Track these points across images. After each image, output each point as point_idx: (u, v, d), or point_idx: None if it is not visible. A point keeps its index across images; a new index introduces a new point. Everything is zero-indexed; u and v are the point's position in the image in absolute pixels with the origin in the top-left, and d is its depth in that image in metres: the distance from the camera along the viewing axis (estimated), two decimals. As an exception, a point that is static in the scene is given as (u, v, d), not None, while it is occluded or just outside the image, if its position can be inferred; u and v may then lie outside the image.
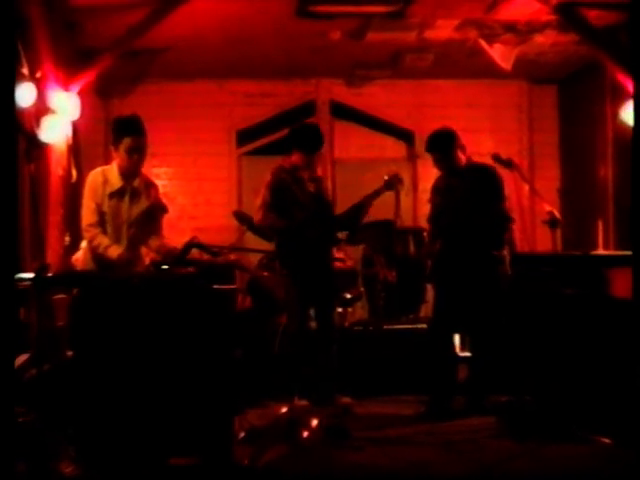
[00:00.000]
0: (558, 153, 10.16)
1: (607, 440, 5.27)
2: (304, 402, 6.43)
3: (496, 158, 6.21)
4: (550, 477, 4.72)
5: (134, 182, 5.81)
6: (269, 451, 4.80)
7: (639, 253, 4.84)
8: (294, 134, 6.67)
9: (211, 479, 3.35)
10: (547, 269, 5.98)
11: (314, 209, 6.52)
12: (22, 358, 5.19)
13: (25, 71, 6.51)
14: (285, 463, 4.74)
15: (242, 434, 5.22)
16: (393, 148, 10.34)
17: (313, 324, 6.92)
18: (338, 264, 7.24)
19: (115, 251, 5.65)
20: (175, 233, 7.87)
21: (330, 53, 9.03)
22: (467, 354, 6.86)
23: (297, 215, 6.51)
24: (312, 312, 6.78)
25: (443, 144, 6.28)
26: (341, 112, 10.23)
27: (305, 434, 5.38)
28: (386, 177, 6.49)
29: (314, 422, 5.55)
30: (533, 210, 7.96)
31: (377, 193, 6.43)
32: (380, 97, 10.05)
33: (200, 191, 10.07)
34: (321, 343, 6.66)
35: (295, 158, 6.54)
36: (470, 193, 6.14)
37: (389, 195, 6.75)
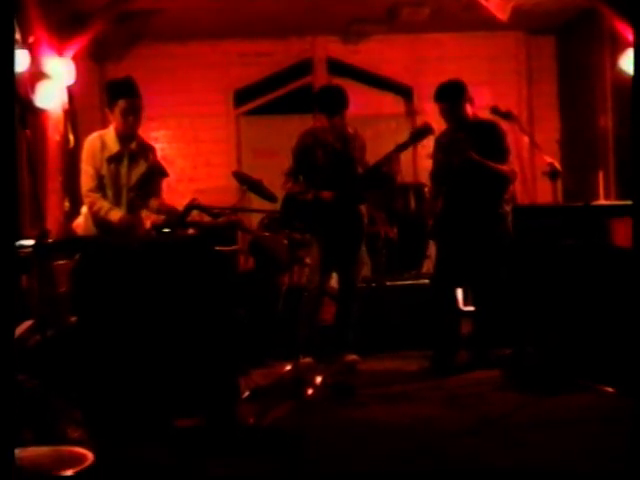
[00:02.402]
0: (557, 104, 10.09)
1: (610, 389, 5.29)
2: (308, 360, 6.49)
3: (495, 110, 6.18)
4: (555, 428, 4.72)
5: (132, 145, 5.80)
6: (274, 409, 4.82)
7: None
8: (315, 97, 6.77)
9: (217, 439, 3.37)
10: (548, 221, 5.98)
11: (335, 171, 6.48)
12: (25, 325, 5.21)
13: (18, 37, 6.47)
14: (290, 421, 4.77)
15: (247, 393, 5.24)
16: (392, 104, 10.27)
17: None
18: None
19: (116, 215, 5.66)
20: (175, 196, 7.86)
21: (325, 9, 8.94)
22: (470, 308, 6.87)
23: (315, 179, 6.52)
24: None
25: (452, 94, 6.24)
26: (338, 69, 10.16)
27: (310, 391, 5.41)
28: (413, 129, 6.40)
29: (318, 379, 5.59)
30: (533, 162, 7.95)
31: (404, 146, 6.34)
32: (377, 53, 9.97)
33: (199, 153, 10.03)
34: (342, 301, 6.70)
35: (319, 121, 6.59)
36: (474, 148, 6.09)
37: (388, 150, 6.70)
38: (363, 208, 6.76)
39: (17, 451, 2.81)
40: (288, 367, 5.87)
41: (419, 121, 9.68)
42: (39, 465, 2.65)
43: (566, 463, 4.13)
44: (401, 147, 6.29)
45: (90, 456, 2.70)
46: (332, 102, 6.50)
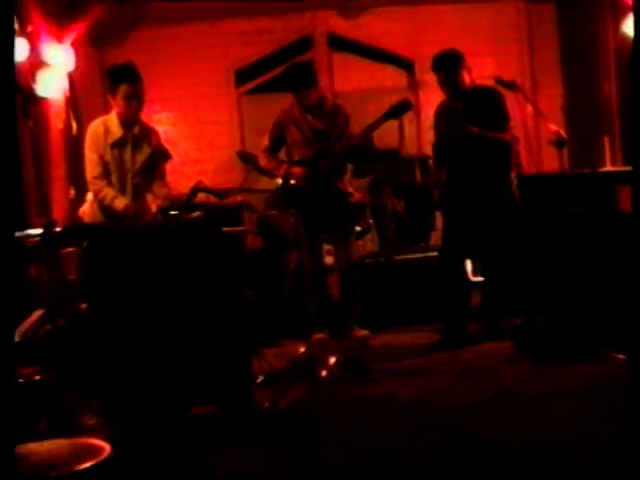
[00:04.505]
0: (560, 71, 10.00)
1: (621, 356, 5.29)
2: (321, 335, 6.51)
3: (498, 81, 6.15)
4: (567, 398, 4.73)
5: (134, 130, 5.81)
6: (288, 393, 4.83)
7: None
8: (282, 75, 6.76)
9: (231, 425, 3.38)
10: (555, 189, 5.96)
11: (309, 147, 6.55)
12: (35, 315, 5.22)
13: (16, 26, 6.44)
14: (305, 404, 4.77)
15: (261, 378, 5.24)
16: (394, 77, 10.19)
17: (330, 259, 6.98)
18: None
19: (121, 202, 5.68)
20: (180, 178, 7.88)
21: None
22: (480, 279, 6.87)
23: (293, 154, 6.65)
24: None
25: (449, 63, 6.21)
26: (339, 44, 10.09)
27: (323, 373, 5.40)
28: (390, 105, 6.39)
29: (332, 360, 5.57)
30: (538, 131, 7.89)
31: (378, 122, 6.34)
32: (377, 26, 9.88)
33: (202, 134, 9.98)
34: (342, 276, 6.73)
35: (291, 98, 6.64)
36: (474, 117, 6.07)
37: (392, 124, 6.67)
38: (343, 182, 6.77)
39: (33, 445, 2.82)
40: (301, 349, 5.85)
41: (422, 94, 9.69)
42: (55, 459, 2.65)
43: (580, 434, 4.12)
44: (374, 125, 6.29)
45: (107, 448, 2.70)
46: (296, 79, 6.56)
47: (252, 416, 3.60)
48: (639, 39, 4.35)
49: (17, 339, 4.65)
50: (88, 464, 2.58)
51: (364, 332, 6.61)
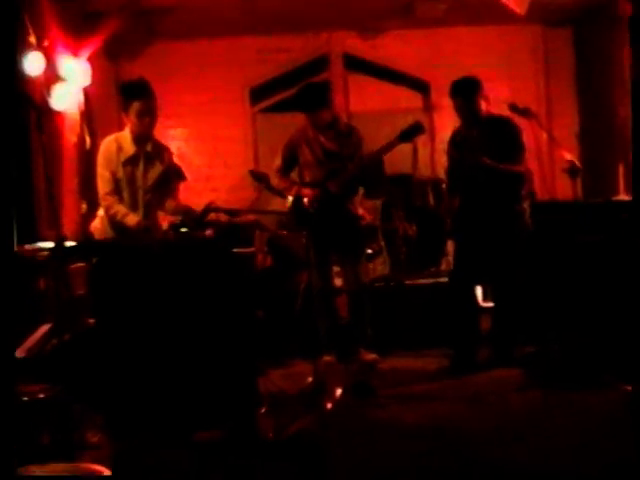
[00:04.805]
0: (576, 97, 10.00)
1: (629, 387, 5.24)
2: (329, 357, 6.48)
3: (513, 107, 6.13)
4: (578, 428, 4.68)
5: (147, 147, 5.81)
6: (294, 423, 4.78)
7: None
8: (295, 95, 6.72)
9: (236, 453, 3.34)
10: (569, 217, 5.92)
11: (321, 167, 6.53)
12: (43, 329, 5.20)
13: (32, 40, 6.45)
14: (310, 435, 4.72)
15: (264, 409, 5.17)
16: (409, 99, 10.20)
17: (339, 281, 6.94)
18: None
19: (133, 219, 5.67)
20: (192, 194, 7.83)
21: (342, 5, 8.88)
22: (490, 304, 6.83)
23: (305, 174, 6.63)
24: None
25: (467, 90, 6.19)
26: (355, 65, 10.10)
27: (329, 405, 5.30)
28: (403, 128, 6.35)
29: (338, 391, 5.49)
30: (552, 158, 7.85)
31: (390, 145, 6.32)
32: (394, 48, 9.89)
33: (216, 151, 9.99)
34: (350, 299, 6.70)
35: (304, 118, 6.61)
36: (489, 146, 6.04)
37: (406, 146, 6.65)
38: (354, 204, 6.73)
39: (35, 467, 2.79)
40: (309, 378, 5.75)
41: (436, 116, 9.69)
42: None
43: (586, 462, 4.08)
44: (386, 148, 6.27)
45: (106, 475, 2.67)
46: (310, 99, 6.52)
47: (256, 445, 3.56)
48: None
49: (23, 354, 4.62)
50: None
51: (372, 356, 6.56)
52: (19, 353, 4.45)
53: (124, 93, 5.80)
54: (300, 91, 6.78)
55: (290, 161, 6.71)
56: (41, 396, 3.85)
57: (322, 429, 4.69)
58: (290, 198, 6.56)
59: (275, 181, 6.66)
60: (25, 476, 2.36)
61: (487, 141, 6.06)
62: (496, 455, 4.30)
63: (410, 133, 6.26)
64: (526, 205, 6.20)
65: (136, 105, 5.64)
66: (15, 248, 5.95)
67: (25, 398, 3.78)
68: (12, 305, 2.15)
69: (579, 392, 5.35)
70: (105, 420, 4.79)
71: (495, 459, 4.25)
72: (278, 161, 6.74)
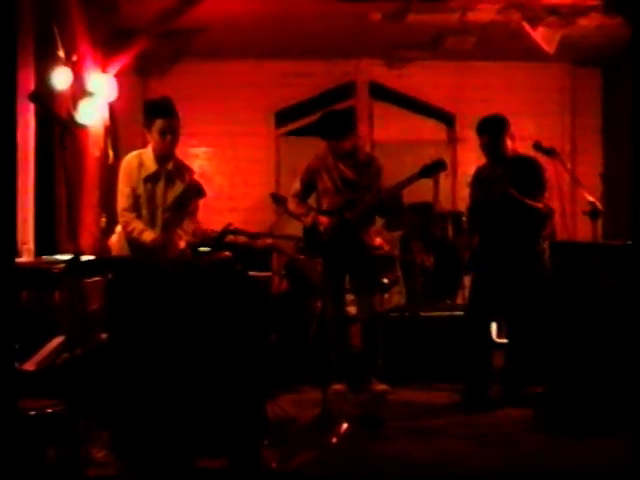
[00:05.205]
0: (601, 137, 9.98)
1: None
2: (340, 386, 6.44)
3: (537, 146, 6.10)
4: (580, 476, 4.64)
5: (169, 165, 5.82)
6: (298, 455, 4.74)
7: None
8: (317, 122, 6.72)
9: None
10: (588, 258, 5.88)
11: (339, 196, 6.52)
12: (55, 342, 5.19)
13: (61, 54, 6.50)
14: (313, 468, 4.67)
15: (271, 437, 5.12)
16: (433, 130, 10.21)
17: (353, 309, 6.91)
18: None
19: (149, 236, 5.68)
20: (212, 213, 7.88)
21: (370, 34, 8.91)
22: (504, 340, 6.78)
23: (322, 201, 6.63)
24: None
25: (495, 128, 6.16)
26: (381, 93, 10.12)
27: (334, 440, 5.23)
28: (425, 164, 6.34)
29: (344, 426, 5.41)
30: (574, 198, 7.82)
31: (410, 180, 6.31)
32: (420, 79, 9.91)
33: (238, 171, 10.02)
34: (363, 329, 6.66)
35: (325, 145, 6.60)
36: (512, 184, 6.01)
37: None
38: (369, 234, 6.72)
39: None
40: (315, 411, 5.67)
41: (460, 149, 9.68)
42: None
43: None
44: (405, 183, 6.26)
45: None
46: (331, 127, 6.51)
47: (259, 475, 3.53)
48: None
49: (33, 367, 4.61)
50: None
51: (383, 387, 6.53)
52: (29, 366, 4.44)
53: (148, 111, 5.84)
54: (322, 118, 6.77)
55: (308, 187, 6.70)
56: (49, 411, 3.83)
57: (325, 464, 4.66)
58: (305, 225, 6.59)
59: (292, 206, 6.71)
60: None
61: (512, 180, 6.03)
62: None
63: (431, 170, 6.26)
64: (546, 245, 6.17)
65: (159, 123, 5.67)
66: (32, 259, 6.00)
67: (32, 412, 3.76)
68: (13, 318, 2.15)
69: (586, 439, 5.28)
70: (110, 438, 4.78)
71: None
72: (297, 186, 6.74)
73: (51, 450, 4.11)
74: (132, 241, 5.76)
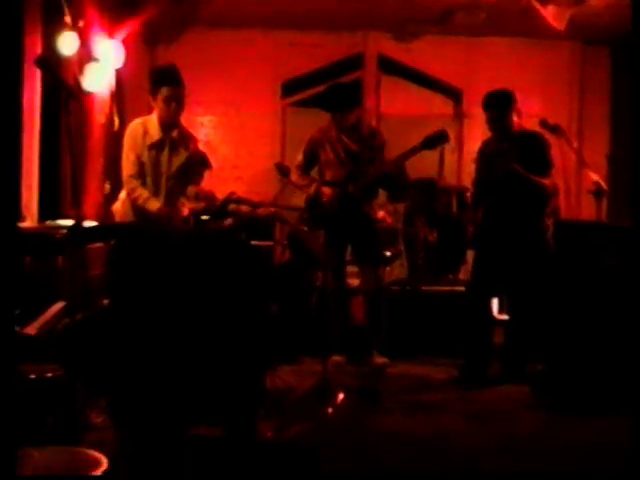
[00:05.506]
0: (609, 117, 9.93)
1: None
2: (339, 358, 6.47)
3: (543, 124, 6.08)
4: (579, 454, 4.65)
5: (173, 133, 5.83)
6: (294, 425, 4.76)
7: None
8: (321, 95, 6.76)
9: (233, 452, 3.33)
10: (592, 238, 5.88)
11: (341, 168, 6.53)
12: (56, 307, 5.20)
13: (68, 20, 6.47)
14: (311, 436, 4.70)
15: (268, 406, 5.14)
16: (440, 105, 10.15)
17: (355, 282, 6.92)
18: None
19: (154, 204, 5.69)
20: (217, 182, 7.83)
21: (380, 7, 8.85)
22: (505, 317, 6.79)
23: (325, 173, 6.59)
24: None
25: (501, 103, 6.15)
26: (389, 66, 10.06)
27: (330, 410, 5.26)
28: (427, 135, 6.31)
29: (340, 396, 5.44)
30: (579, 177, 7.80)
31: (413, 151, 6.28)
32: (429, 53, 9.84)
33: (243, 141, 9.97)
34: (365, 301, 6.67)
35: (329, 117, 6.60)
36: (518, 160, 6.00)
37: (433, 153, 6.64)
38: (372, 207, 6.76)
39: (34, 450, 2.79)
40: (310, 383, 5.69)
41: (467, 125, 9.64)
42: (52, 467, 2.63)
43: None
44: (408, 154, 6.22)
45: (104, 462, 2.66)
46: (335, 100, 6.49)
47: (254, 445, 3.55)
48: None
49: (35, 331, 4.62)
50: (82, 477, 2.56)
51: (384, 360, 6.55)
52: (30, 330, 4.45)
53: (153, 78, 5.83)
54: (327, 91, 6.74)
55: (311, 159, 6.70)
56: (49, 375, 3.84)
57: (321, 435, 4.68)
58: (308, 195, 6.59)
59: (295, 177, 6.70)
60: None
61: (517, 155, 6.02)
62: (491, 470, 4.31)
63: (434, 141, 6.21)
64: (550, 222, 6.16)
65: (164, 91, 5.66)
66: (35, 224, 6.00)
67: (32, 376, 3.77)
68: (14, 283, 2.14)
69: (583, 417, 5.31)
70: (109, 403, 4.80)
71: (489, 473, 4.26)
72: (299, 157, 6.74)
73: (50, 414, 4.12)
74: (137, 208, 5.77)
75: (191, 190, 5.91)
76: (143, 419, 4.69)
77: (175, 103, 5.70)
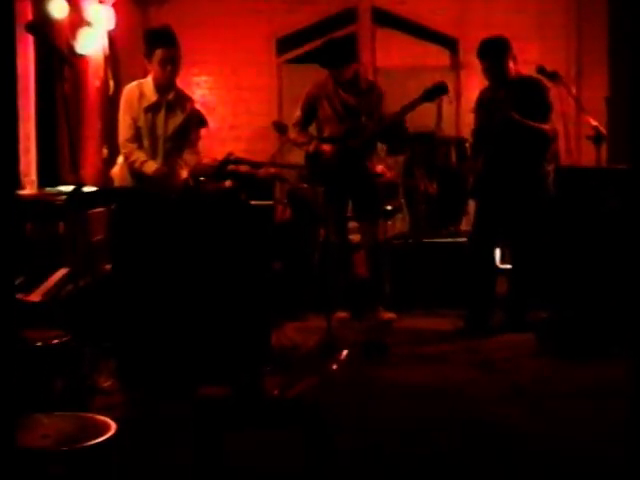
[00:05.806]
0: (608, 60, 9.83)
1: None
2: (344, 314, 6.48)
3: (541, 70, 6.05)
4: (584, 398, 4.70)
5: (169, 95, 5.79)
6: (299, 382, 4.78)
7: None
8: (318, 50, 6.67)
9: (239, 410, 3.36)
10: (591, 183, 5.87)
11: (340, 123, 6.48)
12: (60, 273, 5.22)
13: (57, -18, 6.42)
14: (318, 391, 4.71)
15: (274, 364, 5.16)
16: (437, 56, 10.05)
17: (357, 237, 6.92)
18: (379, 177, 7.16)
19: (151, 166, 5.69)
20: (215, 143, 7.84)
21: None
22: (507, 266, 6.80)
23: (324, 129, 6.58)
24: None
25: (496, 51, 6.10)
26: (383, 19, 9.96)
27: (334, 366, 5.27)
28: (426, 87, 6.28)
29: (344, 353, 5.44)
30: (578, 122, 7.75)
31: (412, 105, 6.26)
32: (423, 4, 9.73)
33: (240, 100, 9.91)
34: (367, 256, 6.68)
35: (326, 72, 6.56)
36: (516, 106, 5.97)
37: (431, 105, 6.61)
38: (372, 161, 6.74)
39: (42, 416, 2.81)
40: (315, 339, 5.72)
41: (464, 75, 9.56)
42: (60, 433, 2.65)
43: (595, 437, 4.07)
44: (408, 107, 6.20)
45: (112, 427, 2.69)
46: (332, 55, 6.46)
47: (262, 402, 3.58)
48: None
49: (39, 298, 4.64)
50: (91, 442, 2.58)
51: (390, 315, 6.57)
52: (34, 297, 4.47)
53: (148, 40, 5.77)
54: (323, 46, 6.71)
55: (309, 115, 6.66)
56: (55, 341, 3.86)
57: (326, 391, 4.70)
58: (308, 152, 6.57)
59: (293, 135, 6.69)
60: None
61: (515, 102, 5.99)
62: (496, 418, 4.35)
63: (434, 93, 6.19)
64: (550, 168, 6.15)
65: (159, 53, 5.62)
66: (35, 191, 6.00)
67: (39, 343, 3.79)
68: (13, 248, 2.14)
69: (588, 362, 5.35)
70: (117, 366, 4.84)
71: (494, 422, 4.30)
72: (297, 114, 6.70)
73: (58, 380, 4.15)
74: (134, 171, 5.76)
75: (190, 159, 5.89)
76: (151, 379, 4.73)
77: (171, 65, 5.66)
